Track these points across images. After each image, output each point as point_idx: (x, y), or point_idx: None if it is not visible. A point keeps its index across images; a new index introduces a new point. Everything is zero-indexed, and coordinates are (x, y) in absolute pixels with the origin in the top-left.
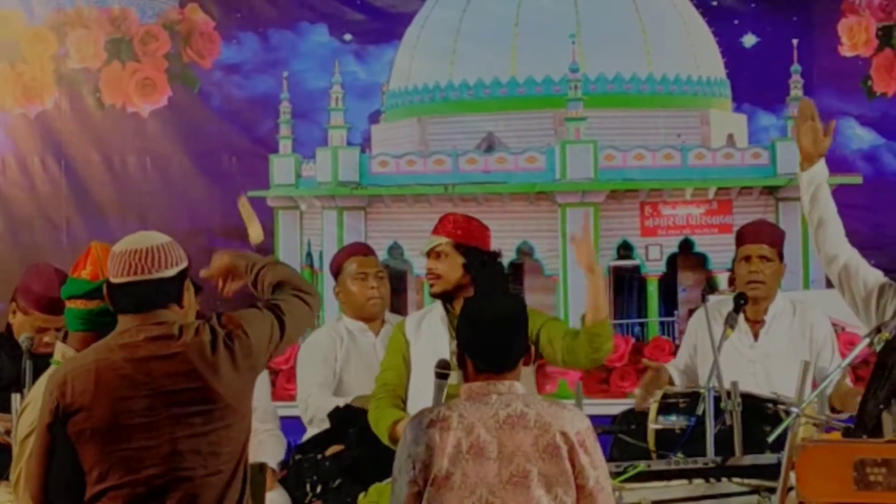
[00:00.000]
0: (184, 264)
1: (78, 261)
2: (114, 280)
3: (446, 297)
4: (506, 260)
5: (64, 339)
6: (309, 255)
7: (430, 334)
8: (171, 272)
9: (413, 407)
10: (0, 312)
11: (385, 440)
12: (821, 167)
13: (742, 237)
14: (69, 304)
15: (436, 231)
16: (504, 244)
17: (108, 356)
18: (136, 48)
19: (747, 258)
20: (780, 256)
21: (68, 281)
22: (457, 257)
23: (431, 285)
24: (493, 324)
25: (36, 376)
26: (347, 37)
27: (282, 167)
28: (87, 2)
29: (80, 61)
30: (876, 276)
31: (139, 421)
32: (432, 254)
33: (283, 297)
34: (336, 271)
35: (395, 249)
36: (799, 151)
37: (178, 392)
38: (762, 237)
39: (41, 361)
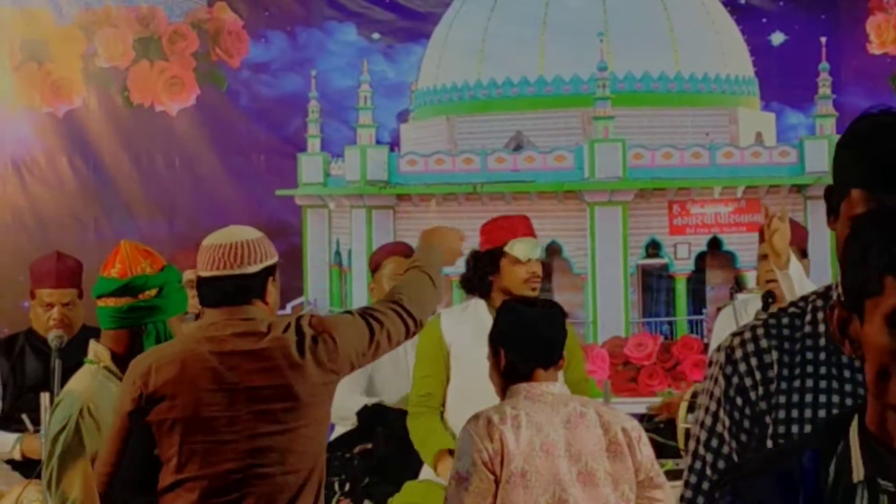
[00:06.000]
0: (270, 260)
1: (107, 259)
2: (200, 273)
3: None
4: None
5: (97, 338)
6: (338, 253)
7: (478, 332)
8: (256, 268)
9: (461, 407)
10: (28, 310)
11: (429, 463)
12: (796, 262)
13: (762, 235)
14: (100, 303)
15: (529, 233)
16: None
17: (195, 347)
18: (165, 47)
19: (764, 256)
20: (803, 253)
21: (99, 280)
22: None
23: (534, 289)
24: (542, 319)
25: (65, 375)
26: (375, 36)
27: (310, 166)
28: (116, 1)
29: (109, 60)
30: None
31: (221, 414)
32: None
33: (382, 308)
34: (374, 268)
35: None
36: (776, 256)
37: (260, 388)
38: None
39: (69, 360)
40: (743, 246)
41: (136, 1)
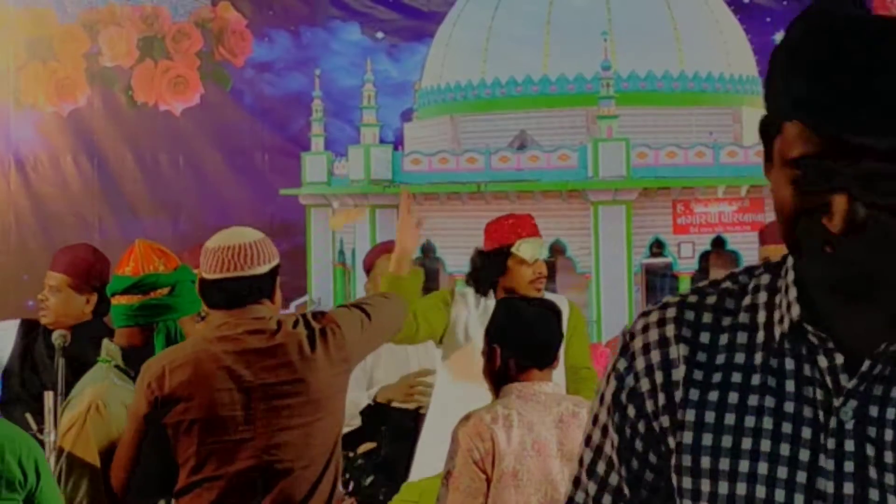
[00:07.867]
0: (276, 261)
1: (122, 258)
2: (207, 276)
3: None
4: None
5: (111, 336)
6: (341, 252)
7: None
8: (264, 269)
9: (452, 396)
10: (32, 310)
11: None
12: None
13: (761, 239)
14: (113, 301)
15: (534, 232)
16: None
17: (208, 348)
18: (169, 46)
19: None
20: None
21: (112, 278)
22: None
23: (538, 289)
24: (539, 320)
25: (77, 370)
26: (379, 35)
27: (314, 165)
28: (120, 0)
29: (113, 59)
30: None
31: (237, 413)
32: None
33: (368, 299)
34: (368, 268)
35: (427, 247)
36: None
37: (275, 385)
38: (780, 237)
39: (75, 354)
40: (746, 245)
41: (141, 0)
